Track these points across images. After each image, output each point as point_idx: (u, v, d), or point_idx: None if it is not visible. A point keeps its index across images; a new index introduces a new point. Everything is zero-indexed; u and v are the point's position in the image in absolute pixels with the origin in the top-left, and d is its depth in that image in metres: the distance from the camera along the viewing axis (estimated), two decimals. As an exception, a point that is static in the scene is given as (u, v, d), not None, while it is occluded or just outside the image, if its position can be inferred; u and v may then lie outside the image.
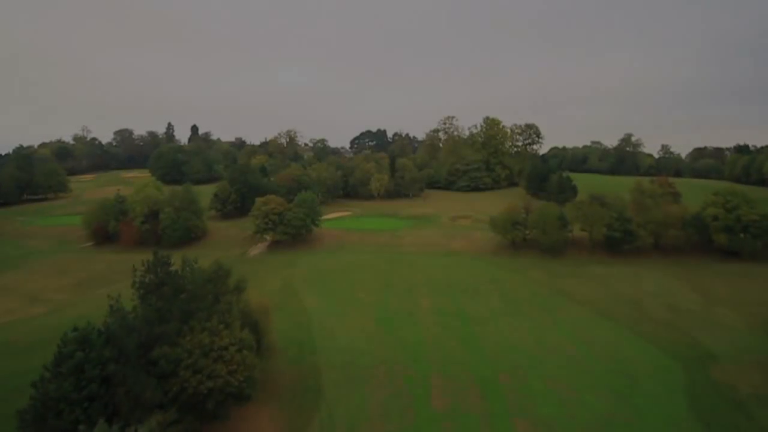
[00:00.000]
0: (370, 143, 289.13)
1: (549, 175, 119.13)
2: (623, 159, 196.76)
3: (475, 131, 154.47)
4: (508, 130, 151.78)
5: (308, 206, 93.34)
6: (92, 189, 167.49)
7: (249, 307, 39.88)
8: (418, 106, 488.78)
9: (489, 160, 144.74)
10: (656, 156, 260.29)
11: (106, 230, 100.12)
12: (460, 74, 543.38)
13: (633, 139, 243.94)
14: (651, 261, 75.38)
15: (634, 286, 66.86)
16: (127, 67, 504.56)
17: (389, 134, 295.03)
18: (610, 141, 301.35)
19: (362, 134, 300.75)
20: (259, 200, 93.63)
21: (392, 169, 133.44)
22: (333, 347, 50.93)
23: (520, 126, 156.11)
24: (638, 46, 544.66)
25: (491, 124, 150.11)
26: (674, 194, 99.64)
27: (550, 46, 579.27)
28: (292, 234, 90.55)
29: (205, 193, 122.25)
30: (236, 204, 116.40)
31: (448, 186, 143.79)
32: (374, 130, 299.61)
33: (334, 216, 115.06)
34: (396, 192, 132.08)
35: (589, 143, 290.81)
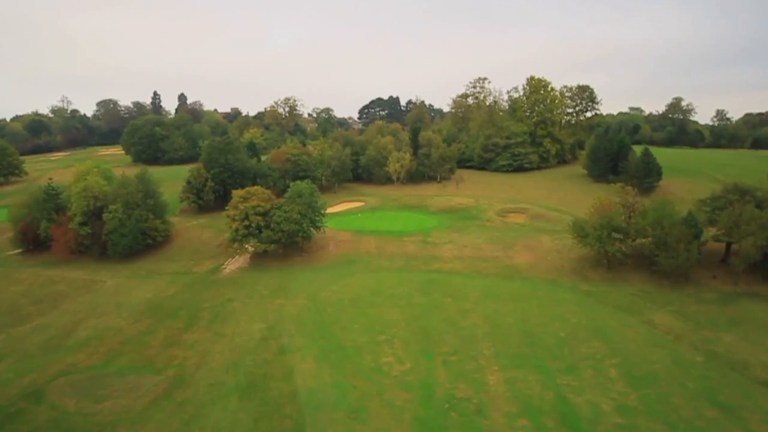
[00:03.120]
0: (381, 113, 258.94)
1: (625, 151, 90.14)
2: (684, 128, 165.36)
3: (515, 96, 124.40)
4: (558, 94, 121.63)
5: (306, 201, 66.69)
6: (56, 170, 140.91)
7: None
8: (432, 73, 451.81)
9: (535, 132, 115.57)
10: (710, 123, 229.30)
11: (37, 233, 74.60)
12: (470, 35, 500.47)
13: (683, 104, 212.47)
14: None
15: None
16: (114, 32, 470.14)
17: (402, 102, 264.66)
18: (653, 107, 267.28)
19: (372, 102, 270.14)
20: (236, 194, 67.01)
21: (415, 145, 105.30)
22: None
23: (572, 89, 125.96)
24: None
25: (536, 85, 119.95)
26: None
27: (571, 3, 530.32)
28: (283, 242, 64.30)
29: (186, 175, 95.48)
30: (216, 192, 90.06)
31: (483, 165, 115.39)
32: (385, 97, 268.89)
33: (341, 209, 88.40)
34: (420, 174, 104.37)
35: (626, 110, 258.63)
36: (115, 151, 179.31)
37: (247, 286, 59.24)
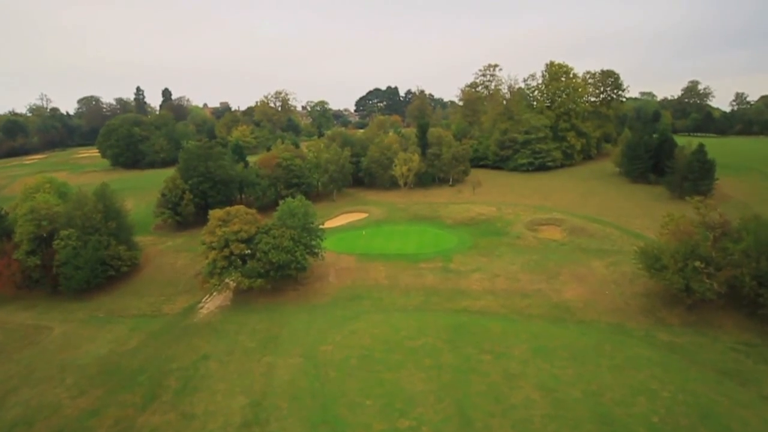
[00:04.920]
0: (379, 104, 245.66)
1: (669, 146, 77.37)
2: (710, 114, 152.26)
3: (532, 84, 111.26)
4: (581, 82, 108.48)
5: (299, 222, 54.21)
6: (25, 178, 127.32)
7: None
8: (431, 61, 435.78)
9: (557, 125, 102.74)
10: (728, 108, 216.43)
11: (-21, 264, 62.03)
12: (466, 22, 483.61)
13: (700, 87, 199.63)
14: None
15: None
16: (98, 24, 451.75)
17: (401, 92, 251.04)
18: (665, 91, 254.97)
19: (369, 93, 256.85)
20: (214, 216, 54.39)
21: (423, 144, 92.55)
22: None
23: (594, 74, 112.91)
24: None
25: (556, 72, 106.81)
26: None
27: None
28: (272, 275, 51.86)
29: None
30: (197, 205, 77.40)
31: (499, 164, 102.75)
32: (383, 87, 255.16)
33: (341, 222, 75.89)
34: (429, 177, 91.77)
35: (637, 95, 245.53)
36: (95, 152, 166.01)
37: (227, 335, 46.99)
